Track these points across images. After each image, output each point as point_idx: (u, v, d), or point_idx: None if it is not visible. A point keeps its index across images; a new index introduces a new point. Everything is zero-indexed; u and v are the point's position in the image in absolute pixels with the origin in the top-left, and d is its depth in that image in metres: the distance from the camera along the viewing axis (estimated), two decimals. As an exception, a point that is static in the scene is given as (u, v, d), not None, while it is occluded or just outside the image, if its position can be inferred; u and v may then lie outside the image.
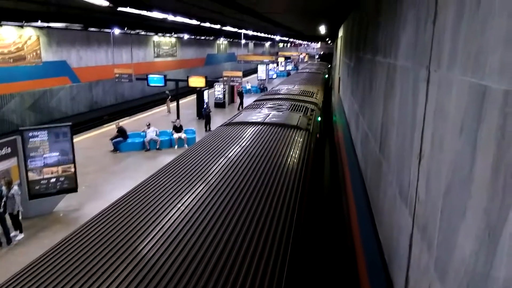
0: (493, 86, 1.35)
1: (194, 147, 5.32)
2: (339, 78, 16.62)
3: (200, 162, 4.39)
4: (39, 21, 16.24)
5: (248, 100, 25.05)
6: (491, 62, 1.37)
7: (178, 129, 15.98)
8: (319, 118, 9.25)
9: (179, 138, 15.59)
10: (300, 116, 7.51)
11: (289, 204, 3.39)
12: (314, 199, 5.32)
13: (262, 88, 31.59)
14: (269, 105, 9.08)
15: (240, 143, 5.29)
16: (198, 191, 3.49)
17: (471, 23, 1.60)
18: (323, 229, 8.20)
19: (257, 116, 7.47)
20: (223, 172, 3.99)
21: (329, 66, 37.52)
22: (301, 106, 9.01)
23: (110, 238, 2.64)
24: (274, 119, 7.10)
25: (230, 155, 4.69)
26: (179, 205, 3.17)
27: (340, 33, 19.46)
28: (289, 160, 4.66)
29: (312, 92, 12.58)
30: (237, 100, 25.59)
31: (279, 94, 11.99)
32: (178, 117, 17.95)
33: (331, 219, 9.17)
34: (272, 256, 2.52)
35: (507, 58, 1.26)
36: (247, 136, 5.78)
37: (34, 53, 21.13)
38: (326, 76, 27.12)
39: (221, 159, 4.47)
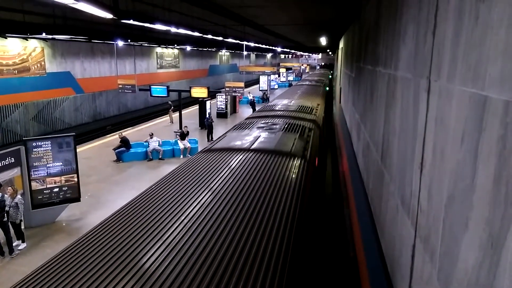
0: (493, 97, 1.35)
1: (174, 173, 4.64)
2: (340, 88, 16.68)
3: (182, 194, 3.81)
4: (44, 33, 16.43)
5: (250, 111, 25.16)
6: (491, 73, 1.39)
7: (184, 136, 16.01)
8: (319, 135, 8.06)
9: (184, 148, 15.54)
10: (295, 139, 6.39)
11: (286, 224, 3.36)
12: (314, 212, 5.19)
13: (264, 98, 31.73)
14: (261, 125, 7.75)
15: (220, 177, 4.35)
16: (200, 202, 3.49)
17: (470, 35, 1.62)
18: (325, 239, 8.15)
19: (244, 140, 6.26)
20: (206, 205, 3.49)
21: (331, 72, 37.32)
22: (298, 125, 7.77)
23: (112, 248, 2.64)
24: (263, 144, 5.93)
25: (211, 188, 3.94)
26: (181, 215, 3.17)
27: (341, 45, 19.59)
28: (282, 194, 3.90)
29: (311, 108, 11.17)
30: (239, 109, 25.71)
31: (273, 110, 10.58)
32: (180, 127, 18.01)
33: (333, 228, 9.12)
34: (272, 265, 2.51)
35: (506, 69, 1.27)
36: (228, 167, 4.72)
37: (39, 64, 21.33)
38: (327, 88, 26.68)
39: (204, 192, 3.83)
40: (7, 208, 7.96)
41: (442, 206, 1.87)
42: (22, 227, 8.40)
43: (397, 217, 2.96)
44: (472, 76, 1.57)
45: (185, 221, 3.09)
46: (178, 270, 2.35)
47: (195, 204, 3.48)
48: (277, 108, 10.97)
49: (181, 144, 15.73)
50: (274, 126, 7.50)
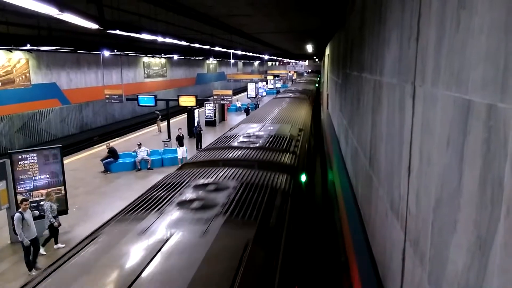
0: (476, 101, 1.38)
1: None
2: (327, 94, 16.81)
3: None
4: (28, 44, 16.27)
5: (238, 118, 25.18)
6: (474, 77, 1.41)
7: (181, 140, 15.92)
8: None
9: (182, 157, 15.38)
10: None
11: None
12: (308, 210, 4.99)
13: (256, 105, 31.68)
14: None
15: None
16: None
17: (452, 41, 1.65)
18: (316, 246, 8.15)
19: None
20: None
21: (318, 76, 37.10)
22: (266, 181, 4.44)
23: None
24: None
25: None
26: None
27: (327, 51, 19.79)
28: None
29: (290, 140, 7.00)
30: (228, 117, 25.74)
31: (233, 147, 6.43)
32: (169, 136, 17.92)
33: (324, 234, 9.13)
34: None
35: (488, 74, 1.30)
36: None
37: (23, 76, 21.08)
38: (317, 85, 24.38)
39: None
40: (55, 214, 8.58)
41: (430, 210, 1.88)
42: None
43: (387, 221, 2.98)
44: (455, 81, 1.60)
45: None
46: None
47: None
48: (240, 141, 6.95)
49: (179, 152, 15.59)
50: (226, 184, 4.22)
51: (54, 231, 8.68)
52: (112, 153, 14.94)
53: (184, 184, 4.29)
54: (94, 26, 7.32)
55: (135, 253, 2.64)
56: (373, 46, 4.05)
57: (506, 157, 1.16)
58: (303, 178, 5.63)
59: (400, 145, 2.59)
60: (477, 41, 1.39)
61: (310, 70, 68.57)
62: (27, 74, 21.37)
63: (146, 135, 21.53)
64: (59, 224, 8.71)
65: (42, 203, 8.81)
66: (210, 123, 24.79)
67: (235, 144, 6.63)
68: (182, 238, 2.86)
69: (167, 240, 2.81)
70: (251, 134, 7.49)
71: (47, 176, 9.42)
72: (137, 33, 10.26)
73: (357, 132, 5.51)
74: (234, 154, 5.77)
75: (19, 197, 9.02)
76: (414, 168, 2.23)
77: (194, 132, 19.13)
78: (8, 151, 9.64)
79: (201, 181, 4.32)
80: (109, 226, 3.22)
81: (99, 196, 11.93)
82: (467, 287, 1.42)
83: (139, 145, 15.28)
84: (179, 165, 6.75)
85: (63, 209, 9.56)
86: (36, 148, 10.22)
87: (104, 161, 14.66)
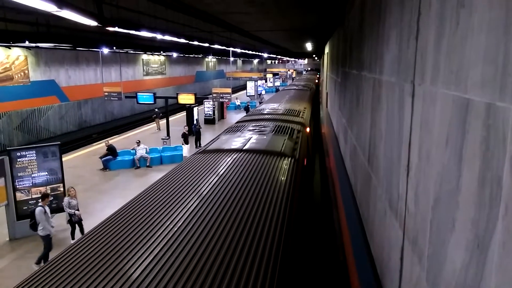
0: (475, 99, 1.38)
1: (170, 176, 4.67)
2: (327, 93, 16.81)
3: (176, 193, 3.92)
4: (27, 41, 16.22)
5: (237, 116, 25.17)
6: (473, 76, 1.41)
7: (186, 137, 15.94)
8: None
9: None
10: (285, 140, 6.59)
11: (277, 222, 3.36)
12: (304, 210, 5.16)
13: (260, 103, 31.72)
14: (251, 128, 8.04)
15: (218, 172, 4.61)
16: (187, 208, 3.46)
17: (452, 40, 1.65)
18: (316, 243, 8.16)
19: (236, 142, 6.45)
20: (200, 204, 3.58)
21: (318, 74, 37.95)
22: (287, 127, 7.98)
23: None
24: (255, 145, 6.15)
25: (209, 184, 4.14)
26: (168, 224, 3.14)
27: (326, 50, 19.77)
28: (274, 188, 4.07)
29: (298, 111, 11.24)
30: (227, 115, 25.73)
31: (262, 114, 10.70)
32: (168, 134, 17.91)
33: (322, 233, 9.14)
34: (262, 270, 2.50)
35: (487, 72, 1.30)
36: (224, 164, 4.96)
37: (22, 73, 21.02)
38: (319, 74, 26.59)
39: (198, 191, 3.94)
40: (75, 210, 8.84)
41: (429, 208, 1.89)
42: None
43: (385, 219, 2.99)
44: (454, 80, 1.60)
45: (175, 227, 3.06)
46: (167, 280, 2.32)
47: (185, 208, 3.47)
48: (264, 113, 10.99)
49: (185, 150, 15.61)
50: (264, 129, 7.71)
51: (74, 225, 8.89)
52: (111, 150, 14.92)
53: (248, 125, 8.38)
54: (93, 23, 7.30)
55: (239, 141, 6.41)
56: (373, 44, 4.05)
57: (504, 156, 1.16)
58: (307, 129, 9.53)
59: (399, 143, 2.59)
60: (477, 40, 1.39)
61: (309, 69, 68.53)
62: (26, 71, 21.30)
63: (145, 133, 21.50)
64: (80, 219, 8.95)
65: (65, 198, 9.05)
66: (209, 121, 24.77)
67: (265, 112, 11.02)
68: (258, 135, 6.88)
69: (251, 137, 6.70)
70: (274, 108, 11.95)
71: (46, 173, 9.41)
72: (136, 30, 10.23)
73: (356, 131, 5.51)
74: (266, 116, 9.97)
75: (18, 194, 9.03)
76: (413, 167, 2.23)
77: (194, 130, 19.12)
78: (7, 148, 9.62)
79: (256, 124, 8.47)
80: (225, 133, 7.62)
81: (98, 194, 11.92)
82: (465, 285, 1.42)
83: (138, 143, 15.27)
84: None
85: (61, 207, 9.53)
86: (34, 145, 10.20)
87: (103, 159, 14.64)
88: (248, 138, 6.63)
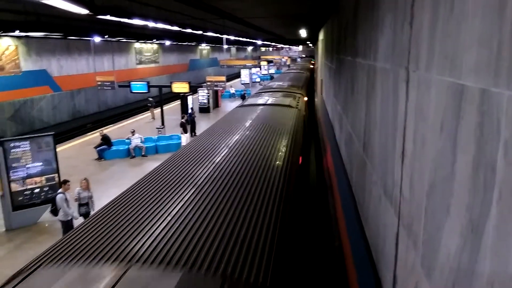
0: (470, 85, 1.38)
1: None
2: (321, 80, 16.76)
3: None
4: (17, 31, 15.96)
5: (232, 105, 25.08)
6: (467, 62, 1.41)
7: (185, 127, 15.92)
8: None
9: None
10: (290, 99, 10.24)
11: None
12: (301, 196, 5.25)
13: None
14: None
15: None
16: (184, 196, 3.46)
17: (446, 25, 1.64)
18: (311, 231, 8.23)
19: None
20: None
21: (312, 61, 38.97)
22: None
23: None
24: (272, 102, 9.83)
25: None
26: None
27: (321, 36, 19.64)
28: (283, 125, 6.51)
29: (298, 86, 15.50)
30: (222, 103, 25.61)
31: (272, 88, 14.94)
32: (162, 123, 17.83)
33: (318, 220, 9.21)
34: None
35: (481, 58, 1.30)
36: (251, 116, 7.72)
37: (13, 63, 20.76)
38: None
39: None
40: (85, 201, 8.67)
41: (424, 194, 1.90)
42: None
43: (380, 206, 3.01)
44: (449, 66, 1.59)
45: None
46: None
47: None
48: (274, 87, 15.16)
49: (183, 139, 15.60)
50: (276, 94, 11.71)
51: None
52: (106, 140, 14.86)
53: (264, 93, 12.21)
54: (84, 11, 7.19)
55: (261, 101, 10.00)
56: (367, 30, 4.03)
57: (498, 142, 1.17)
58: (305, 98, 13.01)
59: (394, 130, 2.59)
60: (471, 25, 1.38)
61: (304, 56, 68.18)
62: (17, 61, 21.03)
63: (140, 122, 21.40)
64: (87, 211, 8.81)
65: (76, 189, 8.89)
66: (204, 109, 24.67)
67: (275, 86, 15.00)
68: (273, 98, 10.63)
69: (268, 99, 10.48)
70: (280, 84, 15.96)
71: (41, 163, 9.36)
72: (128, 18, 10.09)
73: (351, 118, 5.52)
74: (278, 88, 14.02)
75: (13, 185, 8.99)
76: (408, 153, 2.24)
77: (189, 119, 19.06)
78: (0, 139, 9.55)
79: (270, 93, 12.24)
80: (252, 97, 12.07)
81: (93, 183, 11.81)
82: (459, 270, 1.44)
83: (133, 132, 15.20)
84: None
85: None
86: (28, 136, 10.13)
87: (97, 149, 14.58)
88: (266, 99, 10.11)
